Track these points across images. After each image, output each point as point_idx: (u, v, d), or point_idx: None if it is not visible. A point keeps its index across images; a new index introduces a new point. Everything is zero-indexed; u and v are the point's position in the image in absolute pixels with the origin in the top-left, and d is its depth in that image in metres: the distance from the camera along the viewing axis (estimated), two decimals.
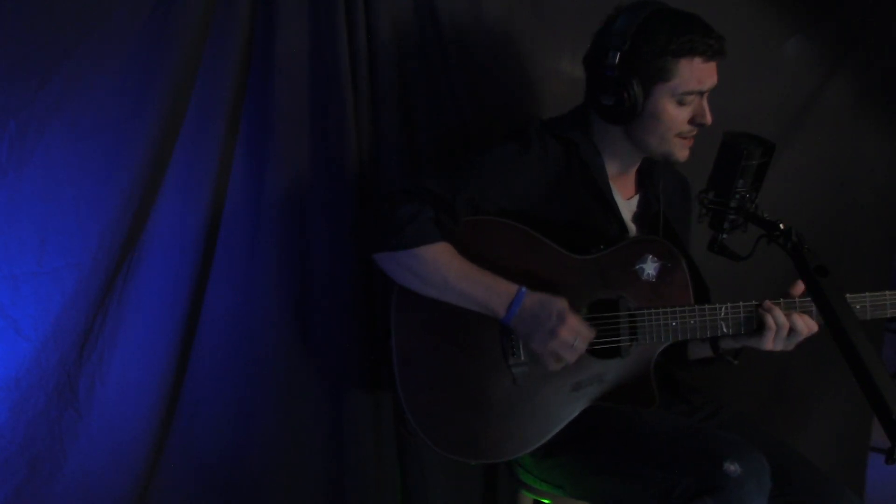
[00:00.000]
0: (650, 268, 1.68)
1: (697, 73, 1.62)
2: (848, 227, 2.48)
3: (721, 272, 1.83)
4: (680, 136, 1.67)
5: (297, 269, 1.85)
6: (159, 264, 1.72)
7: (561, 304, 1.57)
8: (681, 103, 1.64)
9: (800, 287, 1.66)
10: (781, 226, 1.39)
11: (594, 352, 1.65)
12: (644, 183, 1.84)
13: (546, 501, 1.79)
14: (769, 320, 1.63)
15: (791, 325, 1.63)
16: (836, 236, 2.44)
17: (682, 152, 1.69)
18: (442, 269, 1.57)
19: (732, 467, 1.43)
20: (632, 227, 1.79)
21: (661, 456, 1.54)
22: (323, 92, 1.80)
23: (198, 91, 1.70)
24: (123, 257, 1.68)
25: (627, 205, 1.80)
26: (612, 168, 1.75)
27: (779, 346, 1.66)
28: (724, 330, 1.67)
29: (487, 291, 1.58)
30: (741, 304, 1.66)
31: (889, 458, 1.22)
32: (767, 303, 1.65)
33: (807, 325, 1.64)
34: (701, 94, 1.65)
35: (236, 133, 1.77)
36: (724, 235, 1.49)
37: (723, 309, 1.66)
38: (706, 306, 1.66)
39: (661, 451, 1.55)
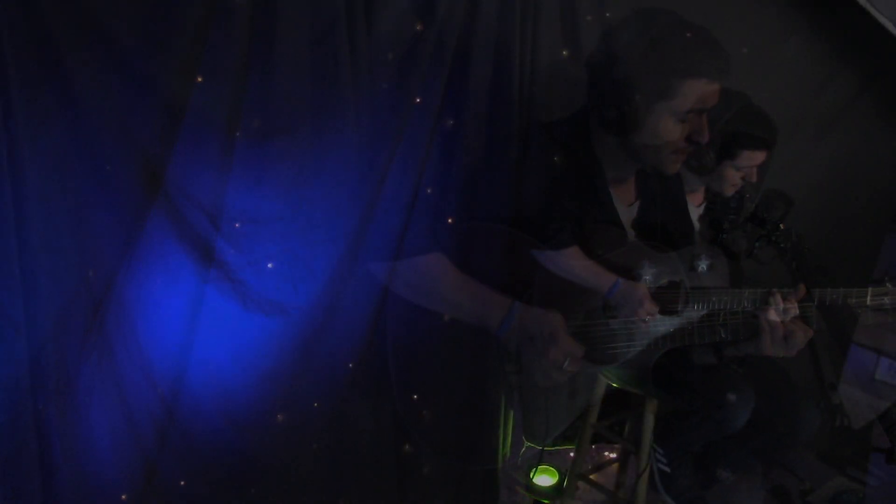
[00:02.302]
0: (648, 274, 1.68)
1: (701, 94, 1.60)
2: (847, 226, 2.48)
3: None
4: (675, 152, 1.66)
5: (297, 268, 1.85)
6: (159, 264, 1.72)
7: (552, 323, 1.56)
8: (681, 121, 1.62)
9: (801, 291, 1.66)
10: (781, 226, 1.39)
11: (592, 358, 1.65)
12: (643, 189, 1.83)
13: (546, 502, 1.79)
14: (762, 322, 1.64)
15: (785, 328, 1.64)
16: (835, 236, 2.44)
17: (673, 166, 1.68)
18: (435, 279, 1.57)
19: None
20: (631, 234, 1.78)
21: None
22: (323, 92, 1.80)
23: (197, 90, 1.70)
24: (123, 257, 1.68)
25: (628, 211, 1.79)
26: (610, 175, 1.74)
27: (778, 351, 1.67)
28: (723, 335, 1.67)
29: (481, 304, 1.58)
30: (740, 310, 1.66)
31: (889, 458, 1.22)
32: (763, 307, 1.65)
33: (801, 328, 1.65)
34: (701, 112, 1.63)
35: (236, 132, 1.77)
36: (724, 235, 1.50)
37: (721, 315, 1.66)
38: (703, 313, 1.66)
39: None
